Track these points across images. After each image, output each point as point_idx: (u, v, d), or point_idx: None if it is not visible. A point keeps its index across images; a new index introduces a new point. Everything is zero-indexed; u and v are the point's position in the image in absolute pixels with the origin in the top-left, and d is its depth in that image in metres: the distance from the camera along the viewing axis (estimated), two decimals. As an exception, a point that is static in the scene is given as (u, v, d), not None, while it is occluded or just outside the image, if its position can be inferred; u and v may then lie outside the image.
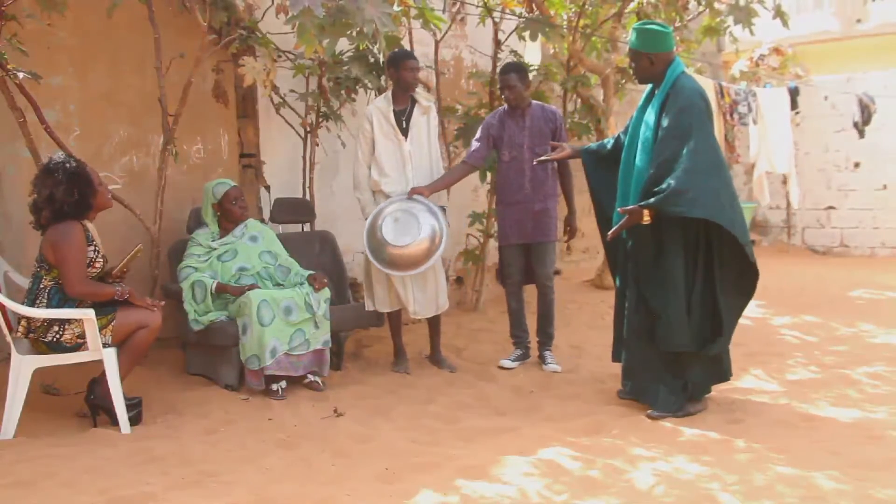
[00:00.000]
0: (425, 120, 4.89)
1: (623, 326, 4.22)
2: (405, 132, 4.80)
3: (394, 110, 4.80)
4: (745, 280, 4.03)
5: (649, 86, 4.13)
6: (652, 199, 3.84)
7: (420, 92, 4.93)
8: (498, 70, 5.04)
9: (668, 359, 4.02)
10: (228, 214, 4.59)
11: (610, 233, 4.09)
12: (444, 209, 4.91)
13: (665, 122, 3.90)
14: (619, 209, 4.04)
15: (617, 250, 4.26)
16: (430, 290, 4.87)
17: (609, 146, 4.41)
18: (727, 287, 4.00)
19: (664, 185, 3.80)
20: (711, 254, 3.96)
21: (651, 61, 4.00)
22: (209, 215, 4.61)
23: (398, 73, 4.77)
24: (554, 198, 5.02)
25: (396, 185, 4.76)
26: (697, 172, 3.79)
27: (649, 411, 4.01)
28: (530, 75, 6.54)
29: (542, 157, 4.66)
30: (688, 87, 3.93)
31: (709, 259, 3.97)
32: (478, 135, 5.02)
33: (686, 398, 4.03)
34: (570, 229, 5.09)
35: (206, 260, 4.53)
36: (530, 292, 5.30)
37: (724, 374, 4.18)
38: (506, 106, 5.01)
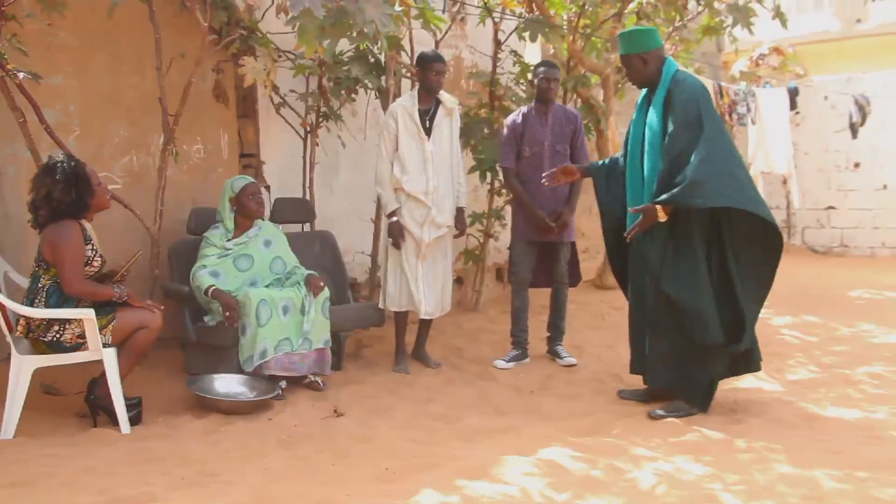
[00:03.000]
0: (449, 121, 4.91)
1: (639, 333, 4.14)
2: (428, 132, 4.82)
3: (418, 109, 4.81)
4: (761, 268, 4.02)
5: (644, 91, 4.13)
6: (665, 196, 3.81)
7: (445, 93, 4.93)
8: (537, 64, 5.18)
9: (695, 355, 3.94)
10: (244, 209, 4.58)
11: (627, 233, 4.03)
12: (462, 209, 5.03)
13: (672, 118, 3.88)
14: (630, 209, 4.02)
15: (623, 255, 4.23)
16: (438, 291, 4.91)
17: (620, 162, 4.33)
18: (745, 280, 3.97)
19: (680, 179, 3.77)
20: (724, 248, 3.95)
21: (644, 61, 4.00)
22: (226, 210, 4.60)
23: (424, 74, 4.80)
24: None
25: (417, 184, 4.77)
26: (714, 162, 3.76)
27: (651, 411, 4.01)
28: (529, 76, 6.59)
29: (552, 175, 4.50)
30: (688, 81, 3.95)
31: (722, 254, 3.95)
32: (504, 139, 5.12)
33: (705, 395, 3.99)
34: (563, 217, 4.97)
35: (219, 260, 4.52)
36: (533, 293, 5.29)
37: (755, 364, 4.12)
38: (531, 106, 5.09)
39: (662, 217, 3.85)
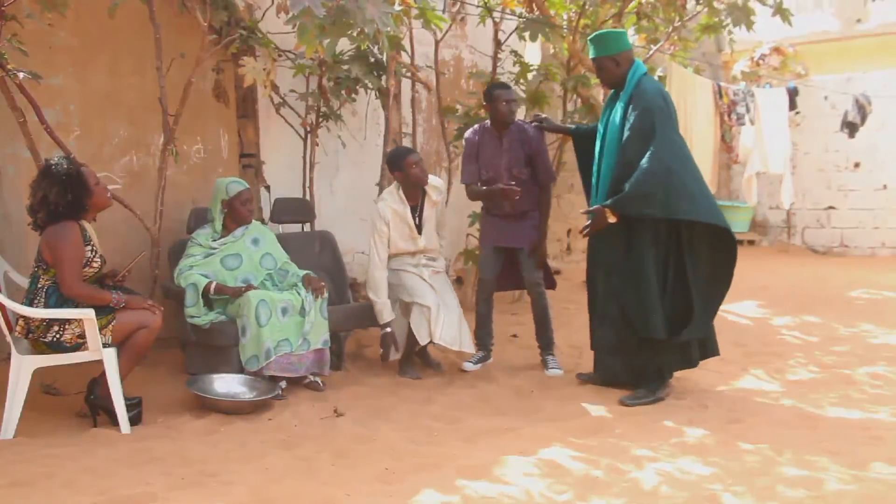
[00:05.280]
0: (436, 209, 4.88)
1: (596, 315, 4.44)
2: (419, 228, 4.77)
3: (409, 208, 4.73)
4: (720, 269, 4.19)
5: (612, 91, 4.32)
6: (611, 201, 4.06)
7: (431, 181, 4.79)
8: (492, 87, 4.97)
9: (643, 344, 4.21)
10: (236, 214, 4.58)
11: (581, 232, 4.31)
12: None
13: (628, 125, 4.07)
14: (581, 211, 4.30)
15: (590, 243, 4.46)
16: (455, 322, 4.72)
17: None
18: (700, 274, 4.15)
19: (626, 185, 3.99)
20: (682, 245, 4.13)
21: (617, 62, 4.19)
22: (216, 210, 4.59)
23: (405, 172, 4.66)
24: (536, 210, 4.95)
25: (407, 264, 4.79)
26: (661, 174, 3.96)
27: (622, 397, 4.20)
28: (529, 76, 6.59)
29: (539, 122, 4.88)
30: (650, 89, 4.11)
31: (680, 250, 4.14)
32: (464, 155, 4.97)
33: (658, 383, 4.22)
34: (538, 253, 4.90)
35: (205, 259, 4.52)
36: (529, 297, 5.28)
37: (691, 362, 4.34)
38: (487, 124, 4.93)
39: (612, 219, 4.07)
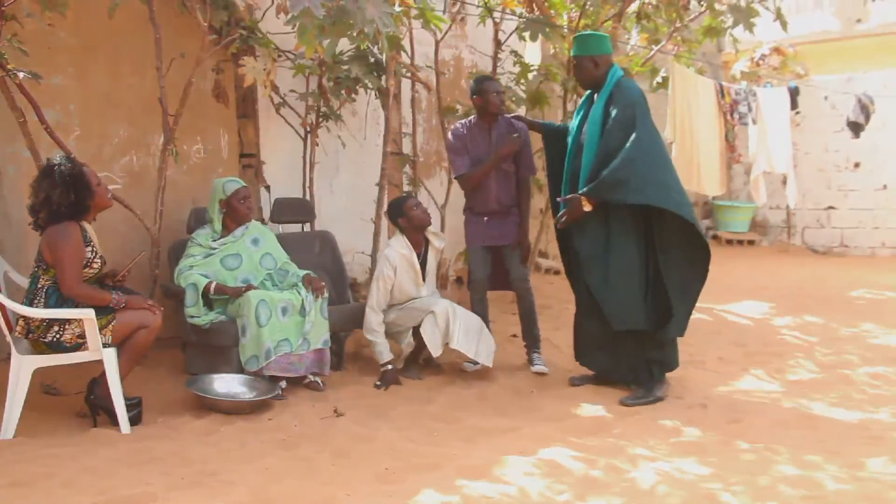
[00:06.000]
0: (435, 255, 4.93)
1: (581, 309, 4.49)
2: (423, 276, 4.81)
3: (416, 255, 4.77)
4: (695, 267, 4.24)
5: (587, 92, 4.43)
6: (587, 188, 4.13)
7: (432, 231, 4.85)
8: (480, 79, 4.97)
9: (627, 339, 4.27)
10: (234, 213, 4.58)
11: (557, 221, 4.38)
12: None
13: (611, 118, 4.17)
14: (558, 199, 4.37)
15: (568, 237, 4.45)
16: (475, 334, 4.68)
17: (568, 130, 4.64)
18: (674, 272, 4.20)
19: (604, 173, 4.08)
20: (655, 242, 4.20)
21: (595, 63, 4.29)
22: (215, 211, 4.60)
23: (408, 216, 4.70)
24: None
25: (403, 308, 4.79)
26: (639, 161, 4.05)
27: (622, 398, 4.22)
28: (529, 76, 6.59)
29: (515, 116, 4.94)
30: (632, 88, 4.26)
31: (654, 248, 4.20)
32: (455, 148, 4.93)
33: (652, 381, 4.26)
34: (522, 248, 4.94)
35: (205, 259, 4.52)
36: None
37: (672, 363, 4.38)
38: (473, 119, 4.96)
39: (587, 207, 4.14)
